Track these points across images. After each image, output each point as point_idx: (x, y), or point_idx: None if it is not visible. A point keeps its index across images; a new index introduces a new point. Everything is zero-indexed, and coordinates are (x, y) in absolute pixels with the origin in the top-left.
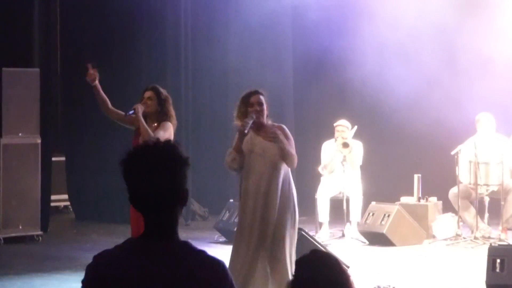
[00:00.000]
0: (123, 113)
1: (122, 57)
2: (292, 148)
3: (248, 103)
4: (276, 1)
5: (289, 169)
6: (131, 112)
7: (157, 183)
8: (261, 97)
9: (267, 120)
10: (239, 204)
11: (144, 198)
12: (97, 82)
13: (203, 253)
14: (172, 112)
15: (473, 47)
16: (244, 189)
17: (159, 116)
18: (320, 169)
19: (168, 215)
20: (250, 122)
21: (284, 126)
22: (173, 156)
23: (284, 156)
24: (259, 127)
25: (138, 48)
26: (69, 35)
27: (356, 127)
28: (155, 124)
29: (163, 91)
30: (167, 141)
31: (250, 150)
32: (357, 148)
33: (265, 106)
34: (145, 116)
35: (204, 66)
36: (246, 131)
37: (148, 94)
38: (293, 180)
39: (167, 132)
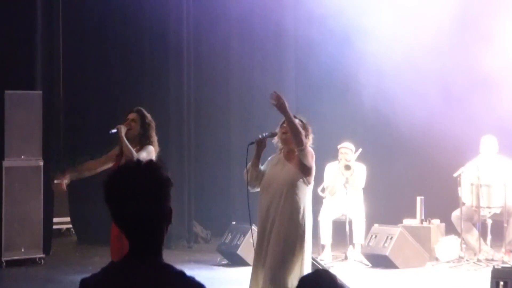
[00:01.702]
0: (92, 160)
1: (125, 79)
2: (306, 157)
3: (283, 123)
4: (277, 25)
5: (307, 195)
6: (114, 131)
7: (140, 206)
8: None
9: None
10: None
11: (127, 220)
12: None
13: (183, 275)
14: (154, 138)
15: (474, 69)
16: (259, 208)
17: (141, 139)
18: (319, 191)
19: (151, 236)
20: (265, 134)
21: (307, 151)
22: (155, 177)
23: (290, 129)
24: (285, 144)
25: (140, 68)
26: (72, 57)
27: (360, 150)
28: (137, 148)
29: (148, 115)
30: (149, 162)
31: (272, 169)
32: (360, 171)
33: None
34: (127, 138)
35: (206, 89)
36: (254, 141)
37: (132, 116)
38: None
39: (150, 155)
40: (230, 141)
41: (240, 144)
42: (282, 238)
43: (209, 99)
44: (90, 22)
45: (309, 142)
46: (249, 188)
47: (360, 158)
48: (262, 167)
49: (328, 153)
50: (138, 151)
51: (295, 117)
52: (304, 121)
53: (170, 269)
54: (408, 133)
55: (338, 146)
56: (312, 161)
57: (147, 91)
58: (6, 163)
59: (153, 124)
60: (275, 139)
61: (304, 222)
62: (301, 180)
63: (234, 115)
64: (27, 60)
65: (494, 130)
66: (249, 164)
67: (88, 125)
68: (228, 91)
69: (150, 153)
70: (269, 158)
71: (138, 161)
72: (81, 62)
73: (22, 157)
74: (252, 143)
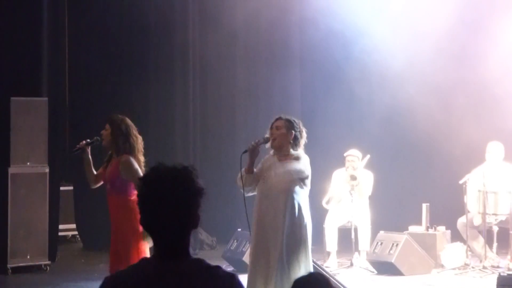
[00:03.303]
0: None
1: (130, 86)
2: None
3: (271, 129)
4: (283, 32)
5: (305, 197)
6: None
7: (171, 211)
8: (281, 122)
9: (290, 147)
10: (252, 230)
11: (157, 224)
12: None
13: (217, 268)
14: (129, 142)
15: (480, 76)
16: (257, 213)
17: (116, 147)
18: (324, 203)
19: (179, 238)
20: (257, 141)
21: (303, 157)
22: (188, 185)
23: None
24: (277, 150)
25: (146, 75)
26: (77, 64)
27: (368, 156)
28: (116, 159)
29: (118, 120)
30: (184, 169)
31: (268, 173)
32: (367, 179)
33: (284, 131)
34: (105, 148)
35: (212, 97)
36: (246, 149)
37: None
38: None
39: (135, 173)
40: (235, 148)
41: None
42: (285, 243)
43: (214, 105)
44: (96, 29)
45: (302, 141)
46: (244, 193)
47: (366, 165)
48: (256, 170)
49: (335, 160)
50: (117, 163)
51: (281, 118)
52: (292, 119)
53: (203, 264)
54: (414, 140)
55: (345, 154)
56: (308, 167)
57: (153, 98)
58: (12, 170)
59: (129, 129)
60: (268, 144)
61: (305, 225)
62: (298, 184)
63: (240, 122)
64: (33, 67)
65: (500, 136)
66: (243, 170)
67: (94, 132)
68: (233, 98)
69: (134, 172)
70: (262, 160)
71: (174, 167)
72: (87, 69)
73: (28, 163)
74: (245, 151)
